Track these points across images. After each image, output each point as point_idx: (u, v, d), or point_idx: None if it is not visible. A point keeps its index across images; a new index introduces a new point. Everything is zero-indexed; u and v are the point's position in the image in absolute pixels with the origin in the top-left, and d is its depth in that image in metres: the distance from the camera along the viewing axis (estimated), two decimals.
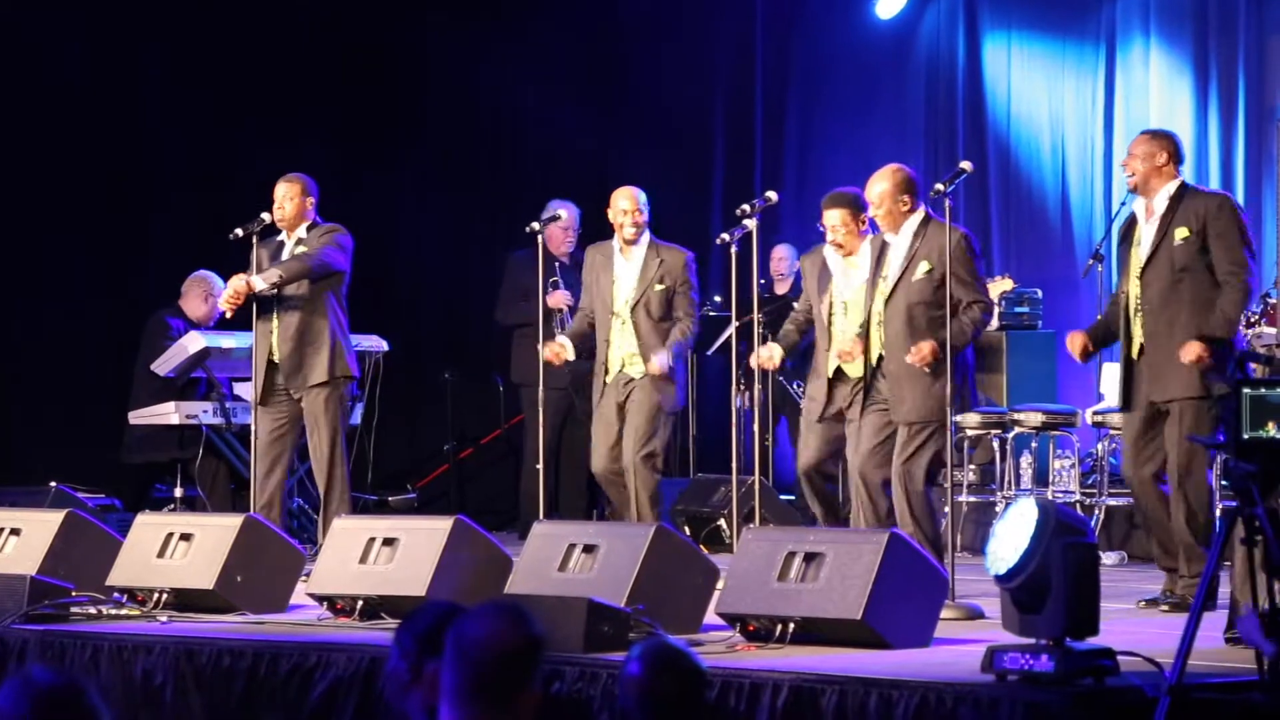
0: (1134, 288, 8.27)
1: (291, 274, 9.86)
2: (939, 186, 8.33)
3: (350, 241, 10.03)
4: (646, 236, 9.69)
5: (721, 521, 11.40)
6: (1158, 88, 13.64)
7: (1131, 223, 8.41)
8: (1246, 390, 5.62)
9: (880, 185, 8.51)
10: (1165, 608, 8.11)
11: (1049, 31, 14.09)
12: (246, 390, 10.99)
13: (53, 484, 10.94)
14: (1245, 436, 5.59)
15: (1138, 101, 13.65)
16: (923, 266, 8.39)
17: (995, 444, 11.19)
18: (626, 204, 9.62)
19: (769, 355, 9.07)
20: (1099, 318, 8.76)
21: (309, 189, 10.04)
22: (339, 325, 10.00)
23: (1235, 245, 8.17)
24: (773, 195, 9.33)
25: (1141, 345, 8.25)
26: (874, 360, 8.51)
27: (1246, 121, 13.28)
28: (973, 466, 11.52)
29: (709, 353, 12.51)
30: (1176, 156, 8.31)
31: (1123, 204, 10.21)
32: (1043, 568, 5.74)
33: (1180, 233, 8.18)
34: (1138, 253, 8.28)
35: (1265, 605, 5.54)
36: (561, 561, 7.43)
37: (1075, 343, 8.48)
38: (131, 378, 11.68)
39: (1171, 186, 8.26)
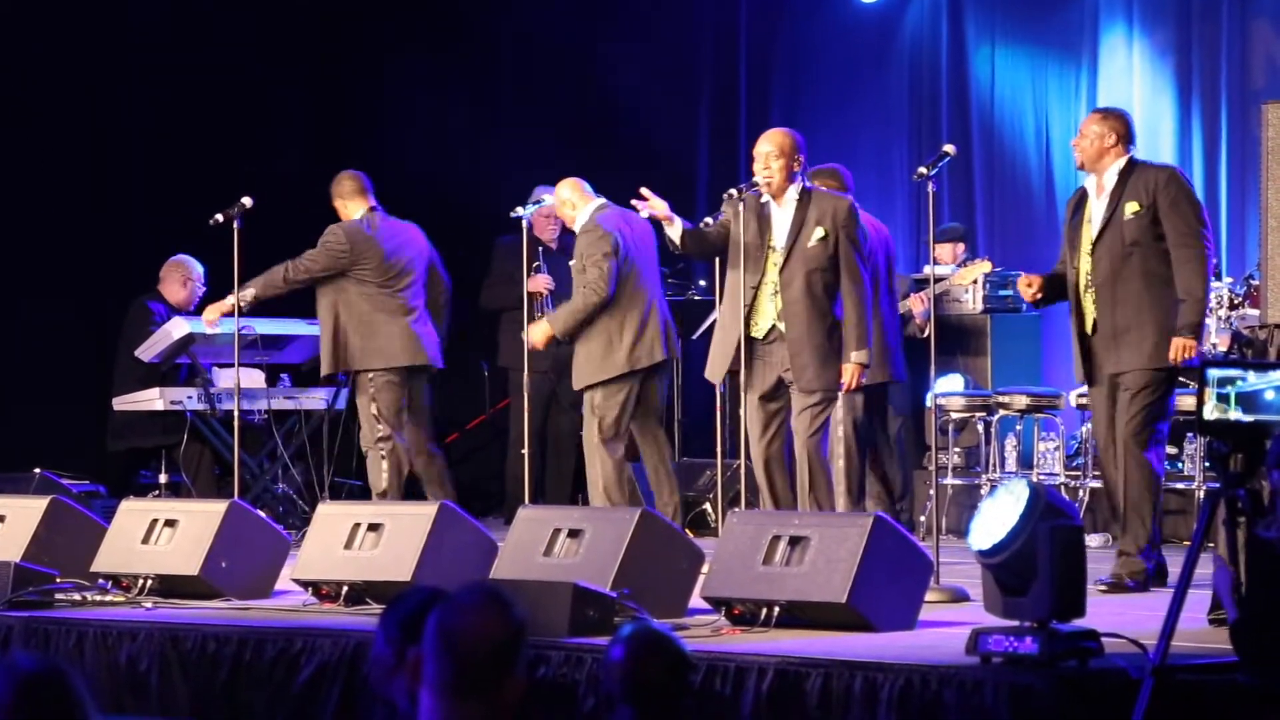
0: (1084, 264, 8.31)
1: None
2: (922, 170, 8.35)
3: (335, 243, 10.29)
4: (582, 222, 9.82)
5: (707, 505, 11.41)
6: (1141, 72, 13.65)
7: (1082, 198, 8.43)
8: (1213, 371, 5.63)
9: (781, 139, 8.63)
10: (1103, 588, 8.13)
11: (1032, 16, 14.09)
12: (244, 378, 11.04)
13: (37, 470, 10.92)
14: (1209, 419, 5.60)
15: (1121, 85, 13.65)
16: (817, 233, 8.56)
17: (980, 427, 11.21)
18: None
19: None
20: (1051, 272, 8.75)
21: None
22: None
23: (1188, 213, 8.22)
24: (759, 179, 9.31)
25: (1095, 321, 8.28)
26: (764, 329, 8.56)
27: (1229, 105, 13.28)
28: (957, 449, 11.54)
29: (694, 337, 12.50)
30: (1127, 137, 8.35)
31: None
32: (1028, 547, 5.74)
33: (1130, 207, 8.22)
34: (1088, 229, 8.31)
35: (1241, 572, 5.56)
36: (547, 546, 7.43)
37: (1032, 283, 8.48)
38: (114, 364, 11.67)
39: (1120, 162, 8.30)
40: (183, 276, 11.70)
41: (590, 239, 9.70)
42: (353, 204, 10.50)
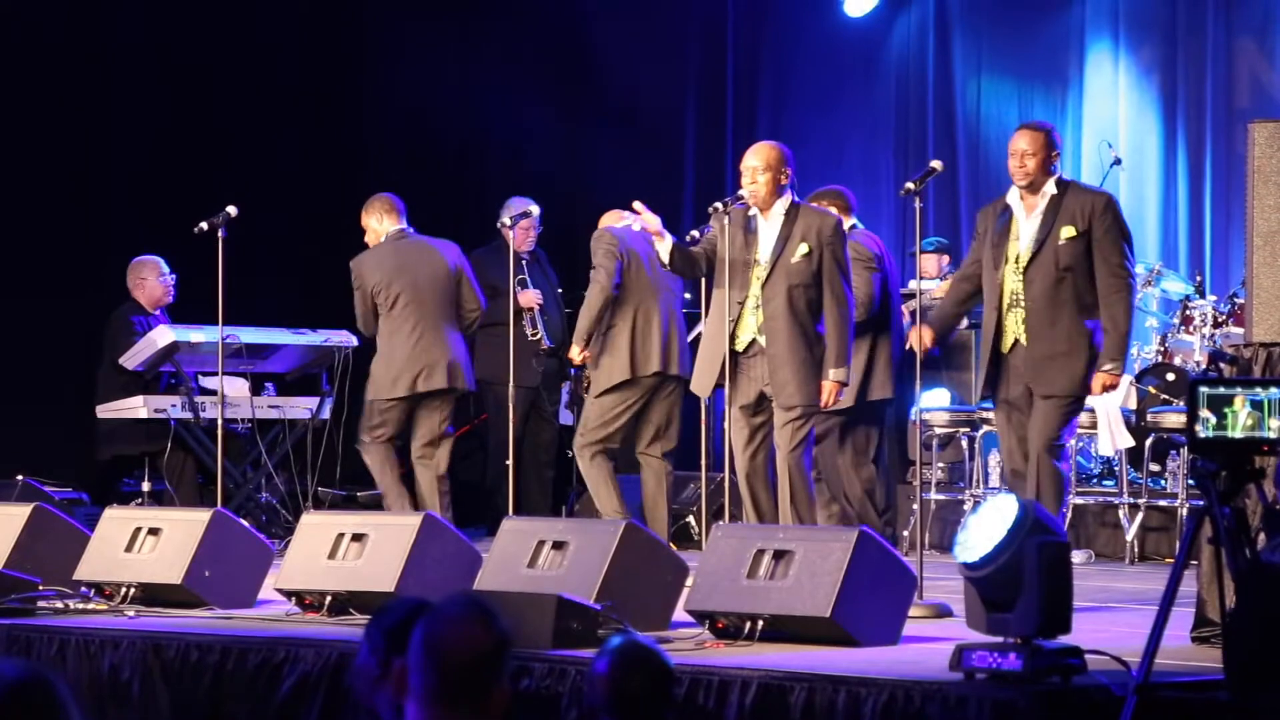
0: (1012, 283, 8.24)
1: None
2: (909, 185, 8.33)
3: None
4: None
5: (691, 518, 11.41)
6: (1126, 89, 13.68)
7: (1003, 212, 8.35)
8: (1203, 389, 5.62)
9: (768, 152, 8.63)
10: None
11: (1018, 33, 14.12)
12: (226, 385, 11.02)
13: (20, 477, 10.90)
14: (1201, 436, 5.60)
15: (1106, 103, 13.69)
16: (801, 249, 8.55)
17: (964, 442, 11.21)
18: None
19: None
20: (941, 308, 8.76)
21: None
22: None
23: (1121, 245, 8.19)
24: (745, 193, 9.32)
25: (1016, 340, 8.24)
26: (745, 342, 8.57)
27: (1214, 123, 13.32)
28: (941, 464, 11.55)
29: None
30: (1059, 153, 8.35)
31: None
32: (1014, 562, 5.74)
33: (1066, 231, 8.17)
34: (1016, 247, 8.25)
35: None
36: (531, 558, 7.43)
37: (924, 336, 8.47)
38: (98, 372, 11.64)
39: (1053, 182, 8.27)
40: (151, 273, 11.66)
41: (596, 243, 10.06)
42: (389, 220, 10.52)
